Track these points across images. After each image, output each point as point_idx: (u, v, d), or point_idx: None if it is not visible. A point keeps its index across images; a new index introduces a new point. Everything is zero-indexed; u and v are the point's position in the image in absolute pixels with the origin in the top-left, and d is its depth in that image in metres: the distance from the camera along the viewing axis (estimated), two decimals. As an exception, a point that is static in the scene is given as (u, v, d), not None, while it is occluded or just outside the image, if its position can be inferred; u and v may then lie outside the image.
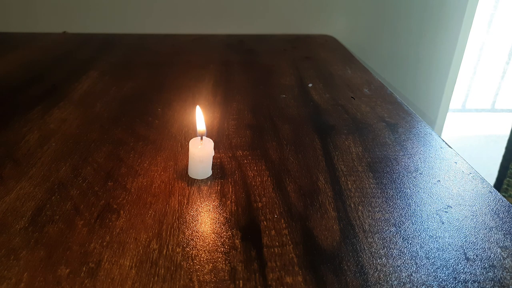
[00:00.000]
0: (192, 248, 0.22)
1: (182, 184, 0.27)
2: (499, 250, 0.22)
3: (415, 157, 0.31)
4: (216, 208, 0.25)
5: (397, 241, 0.23)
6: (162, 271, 0.21)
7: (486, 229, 0.24)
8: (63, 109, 0.38)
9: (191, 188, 0.27)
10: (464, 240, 0.23)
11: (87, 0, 0.65)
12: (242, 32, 0.71)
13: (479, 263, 0.21)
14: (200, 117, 0.28)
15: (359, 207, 0.26)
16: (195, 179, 0.28)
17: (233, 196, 0.26)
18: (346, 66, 0.54)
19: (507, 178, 0.91)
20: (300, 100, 0.42)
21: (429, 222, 0.24)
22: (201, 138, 0.28)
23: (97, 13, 0.66)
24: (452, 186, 0.28)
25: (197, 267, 0.21)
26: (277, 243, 0.22)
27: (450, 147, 0.33)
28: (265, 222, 0.24)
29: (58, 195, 0.26)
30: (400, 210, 0.25)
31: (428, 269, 0.21)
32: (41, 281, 0.20)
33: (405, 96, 0.80)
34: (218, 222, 0.24)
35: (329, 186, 0.28)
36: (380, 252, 0.22)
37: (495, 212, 0.25)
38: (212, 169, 0.29)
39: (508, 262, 0.22)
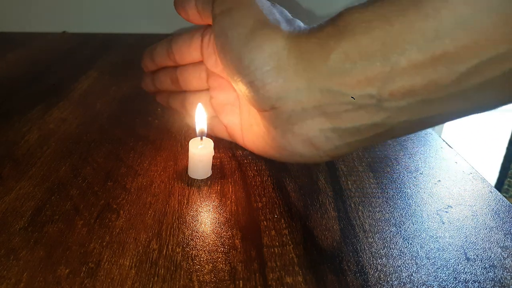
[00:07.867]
0: (192, 248, 0.22)
1: (182, 184, 0.27)
2: (499, 250, 0.22)
3: (415, 157, 0.31)
4: (216, 208, 0.25)
5: (397, 241, 0.23)
6: (162, 271, 0.20)
7: (486, 229, 0.24)
8: (62, 109, 0.38)
9: (191, 188, 0.27)
10: (464, 240, 0.23)
11: (87, 0, 0.65)
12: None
13: (480, 263, 0.21)
14: (201, 116, 0.28)
15: (360, 207, 0.26)
16: (195, 179, 0.28)
17: (233, 196, 0.26)
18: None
19: (508, 178, 0.91)
20: (300, 100, 0.42)
21: (430, 222, 0.24)
22: (201, 138, 0.28)
23: (97, 13, 0.66)
24: (453, 186, 0.28)
25: (197, 267, 0.21)
26: (277, 243, 0.22)
27: (450, 147, 0.33)
28: (265, 222, 0.24)
29: (57, 195, 0.26)
30: (400, 210, 0.25)
31: (428, 269, 0.21)
32: (40, 281, 0.20)
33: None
34: (218, 222, 0.24)
35: (329, 186, 0.28)
36: (380, 252, 0.22)
37: (496, 212, 0.25)
38: (212, 169, 0.29)
39: (508, 262, 0.22)
